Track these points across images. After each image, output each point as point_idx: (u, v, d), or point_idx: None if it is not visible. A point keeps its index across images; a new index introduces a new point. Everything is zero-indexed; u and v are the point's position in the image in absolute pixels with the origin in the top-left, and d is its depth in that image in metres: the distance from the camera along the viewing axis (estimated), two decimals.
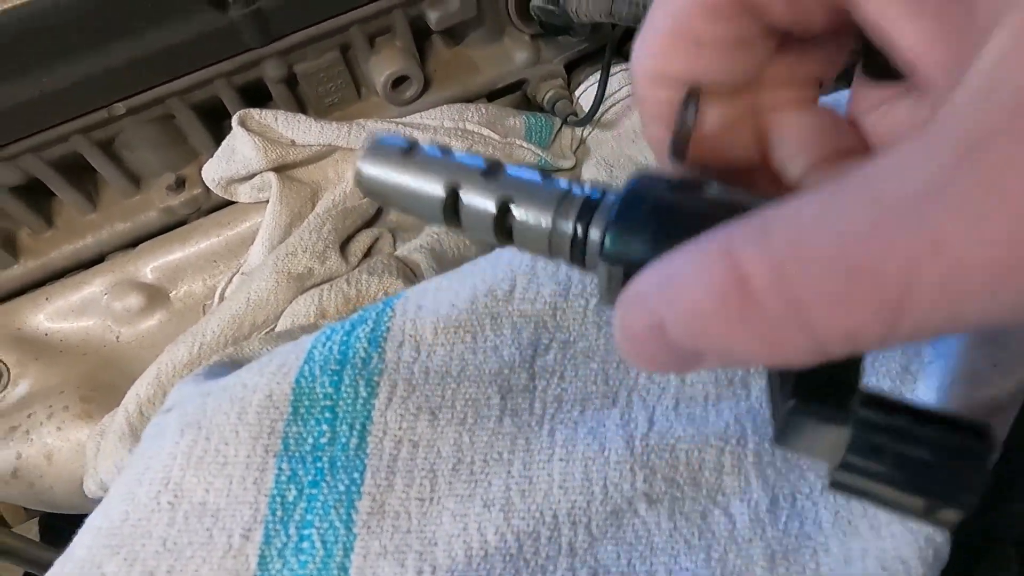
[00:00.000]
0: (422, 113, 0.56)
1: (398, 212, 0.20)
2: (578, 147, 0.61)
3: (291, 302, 0.49)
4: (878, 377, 0.28)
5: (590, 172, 0.59)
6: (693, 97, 0.19)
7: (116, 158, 0.54)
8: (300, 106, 0.57)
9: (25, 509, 0.62)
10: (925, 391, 0.26)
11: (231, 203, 0.56)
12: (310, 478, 0.28)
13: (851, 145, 0.20)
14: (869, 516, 0.24)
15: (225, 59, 0.50)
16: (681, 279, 0.15)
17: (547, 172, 0.21)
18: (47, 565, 0.57)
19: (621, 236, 0.18)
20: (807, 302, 0.13)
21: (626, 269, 0.18)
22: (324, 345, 0.30)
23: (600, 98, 0.57)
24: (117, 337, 0.55)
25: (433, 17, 0.54)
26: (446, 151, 0.20)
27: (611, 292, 0.18)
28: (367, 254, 0.53)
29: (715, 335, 0.14)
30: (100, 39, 0.47)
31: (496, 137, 0.56)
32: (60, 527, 0.66)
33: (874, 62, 0.20)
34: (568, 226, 0.19)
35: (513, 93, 0.62)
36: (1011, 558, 0.26)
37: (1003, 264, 0.12)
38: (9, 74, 0.46)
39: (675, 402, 0.28)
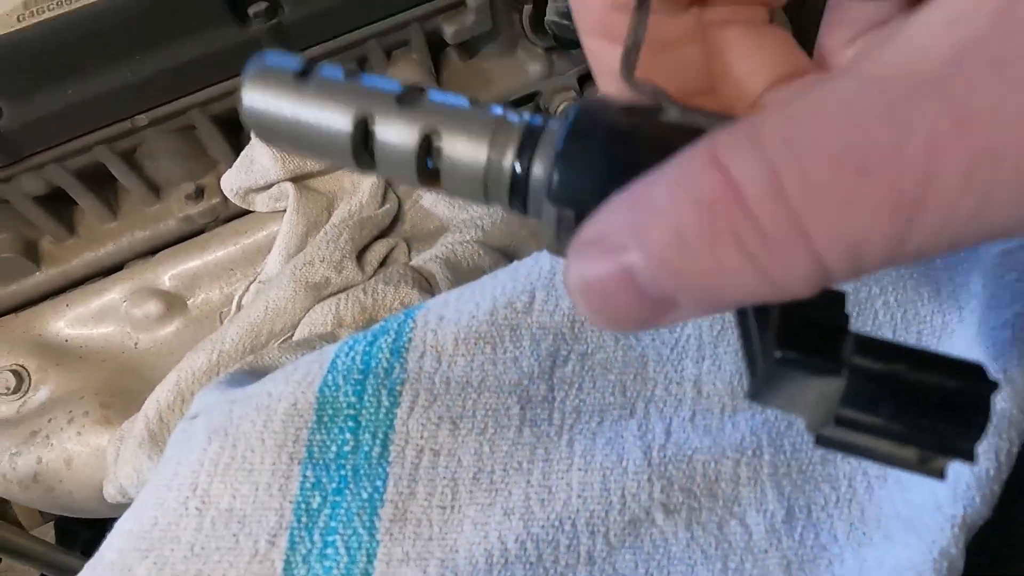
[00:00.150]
0: None
1: (294, 152, 0.18)
2: None
3: (308, 311, 0.49)
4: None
5: None
6: (644, 2, 0.17)
7: (137, 168, 0.55)
8: None
9: (41, 513, 0.62)
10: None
11: (248, 212, 0.57)
12: (334, 485, 0.29)
13: (805, 66, 0.19)
14: (883, 527, 0.25)
15: None
16: (654, 205, 0.12)
17: (476, 98, 0.17)
18: (63, 568, 0.57)
19: (572, 170, 0.15)
20: (808, 210, 0.11)
21: (578, 210, 0.15)
22: (347, 355, 0.31)
23: None
24: (136, 344, 0.56)
25: (449, 31, 0.55)
26: (351, 72, 0.17)
27: (561, 238, 0.15)
28: (382, 264, 0.54)
29: (699, 268, 0.12)
30: (125, 53, 0.48)
31: None
32: (76, 531, 0.67)
33: None
34: (507, 160, 0.16)
35: (525, 105, 0.63)
36: None
37: None
38: (36, 87, 0.47)
39: (691, 414, 0.29)
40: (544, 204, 0.15)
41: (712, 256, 0.12)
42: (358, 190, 0.55)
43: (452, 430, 0.29)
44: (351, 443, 0.29)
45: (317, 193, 0.55)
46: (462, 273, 0.52)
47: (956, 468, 0.23)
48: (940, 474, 0.14)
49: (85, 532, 0.68)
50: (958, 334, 0.27)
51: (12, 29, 0.45)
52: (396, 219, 0.57)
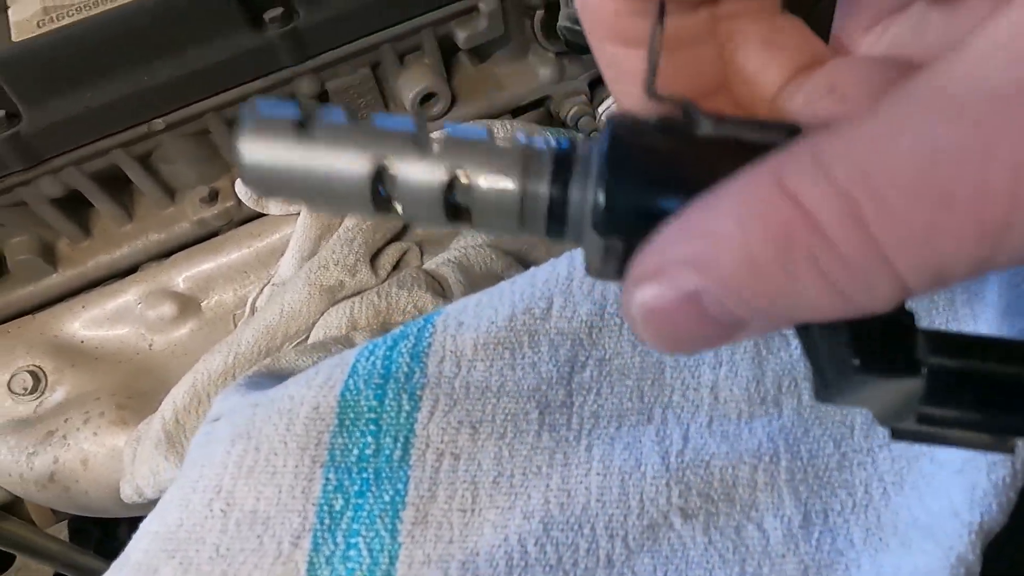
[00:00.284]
0: None
1: (304, 205, 0.17)
2: None
3: (323, 314, 0.50)
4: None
5: None
6: (659, 13, 0.16)
7: (153, 171, 0.55)
8: None
9: (54, 512, 0.63)
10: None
11: (262, 215, 0.58)
12: (356, 488, 0.29)
13: (823, 53, 0.18)
14: (900, 533, 0.25)
15: (261, 77, 0.52)
16: (719, 233, 0.12)
17: (492, 128, 0.17)
18: (77, 567, 0.58)
19: (617, 199, 0.14)
20: (890, 238, 0.11)
21: (627, 238, 0.14)
22: (368, 360, 0.31)
23: None
24: (150, 345, 0.56)
25: (462, 36, 0.55)
26: (353, 115, 0.16)
27: (608, 265, 0.15)
28: (395, 267, 0.55)
29: (773, 292, 0.12)
30: (142, 58, 0.48)
31: None
32: (89, 530, 0.68)
33: None
34: (542, 190, 0.15)
35: (536, 109, 0.64)
36: None
37: None
38: (55, 92, 0.48)
39: (709, 419, 0.29)
40: (587, 230, 0.15)
41: (787, 281, 0.12)
42: None
43: (472, 434, 0.30)
44: (372, 446, 0.30)
45: None
46: (475, 277, 0.52)
47: (973, 475, 0.24)
48: (1011, 450, 0.15)
49: (97, 531, 0.68)
50: None
51: (32, 35, 0.46)
52: (409, 223, 0.57)
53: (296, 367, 0.44)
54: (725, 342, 0.14)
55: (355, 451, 0.30)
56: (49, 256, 0.55)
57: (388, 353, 0.31)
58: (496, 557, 0.27)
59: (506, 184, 0.15)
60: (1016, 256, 0.11)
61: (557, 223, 0.15)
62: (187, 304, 0.56)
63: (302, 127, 0.15)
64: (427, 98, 0.57)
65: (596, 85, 0.64)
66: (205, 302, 0.57)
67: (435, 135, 0.16)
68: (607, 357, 0.31)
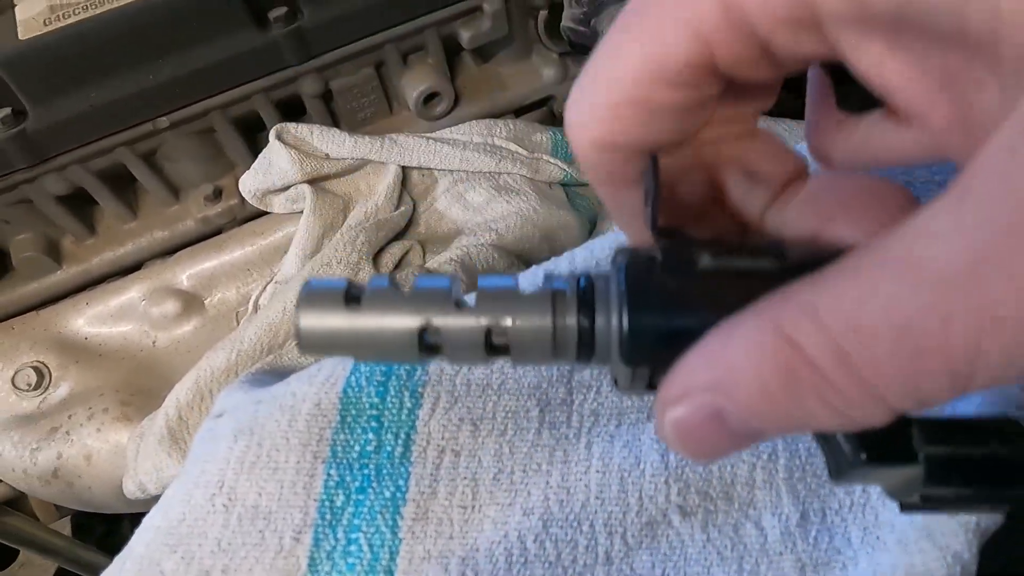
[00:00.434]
0: (451, 128, 0.58)
1: (355, 359, 0.20)
2: None
3: None
4: None
5: None
6: (655, 164, 0.18)
7: (157, 169, 0.55)
8: (334, 120, 0.58)
9: (57, 507, 0.63)
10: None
11: (265, 213, 0.58)
12: (357, 484, 0.29)
13: (799, 167, 0.20)
14: (897, 532, 0.25)
15: (265, 76, 0.52)
16: (735, 365, 0.15)
17: (516, 277, 0.19)
18: (81, 562, 0.58)
19: (640, 338, 0.17)
20: (879, 379, 0.14)
21: (652, 366, 0.18)
22: None
23: None
24: (154, 342, 0.56)
25: (465, 36, 0.56)
26: (393, 281, 0.19)
27: (636, 386, 0.18)
28: (397, 266, 0.55)
29: (785, 413, 0.15)
30: (147, 56, 0.49)
31: (523, 152, 0.58)
32: (91, 525, 0.68)
33: (850, 98, 0.20)
34: (571, 326, 0.18)
35: (539, 109, 0.64)
36: None
37: None
38: (61, 90, 0.48)
39: None
40: (614, 358, 0.18)
41: (796, 405, 0.15)
42: (374, 192, 0.56)
43: (472, 431, 0.30)
44: (374, 443, 0.30)
45: (333, 195, 0.56)
46: (476, 276, 0.52)
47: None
48: (1005, 512, 0.18)
49: (100, 526, 0.69)
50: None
51: (38, 33, 0.46)
52: (411, 221, 0.57)
53: (299, 364, 0.45)
54: (746, 447, 0.17)
55: (356, 447, 0.30)
56: (54, 253, 0.56)
57: None
58: (496, 553, 0.28)
59: (539, 324, 0.18)
60: (989, 384, 0.14)
61: (586, 351, 0.18)
62: (191, 301, 0.57)
63: (352, 298, 0.18)
64: (430, 97, 0.57)
65: None
66: (208, 300, 0.57)
67: (469, 297, 0.18)
68: None
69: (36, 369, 0.54)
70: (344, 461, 0.30)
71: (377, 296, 0.18)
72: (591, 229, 0.59)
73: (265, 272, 0.57)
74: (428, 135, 0.57)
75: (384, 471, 0.29)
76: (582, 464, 0.29)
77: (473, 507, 0.29)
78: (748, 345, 0.15)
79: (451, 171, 0.57)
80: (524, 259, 0.54)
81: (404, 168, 0.56)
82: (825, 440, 0.18)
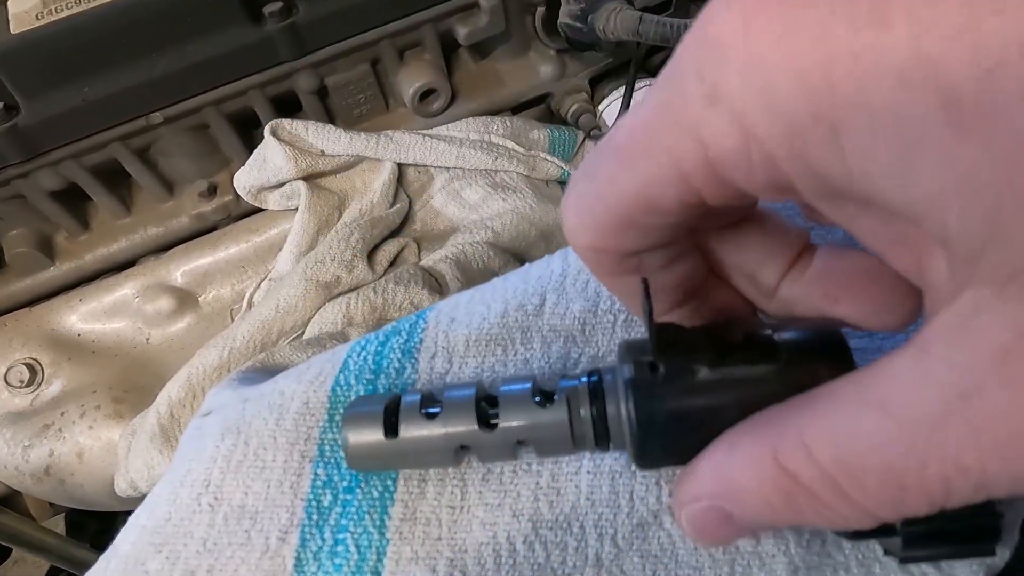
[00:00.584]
0: (448, 125, 0.58)
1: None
2: None
3: (319, 309, 0.50)
4: None
5: None
6: (647, 288, 0.20)
7: (151, 165, 0.55)
8: (329, 117, 0.58)
9: (51, 504, 0.63)
10: None
11: (260, 210, 0.58)
12: (345, 484, 0.29)
13: (802, 240, 0.22)
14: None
15: (260, 71, 0.52)
16: (742, 485, 0.18)
17: (535, 378, 0.24)
18: (74, 560, 0.58)
19: (649, 449, 0.21)
20: (869, 503, 0.16)
21: (660, 467, 0.22)
22: (359, 355, 0.31)
23: (624, 113, 0.58)
24: (147, 339, 0.56)
25: (462, 32, 0.55)
26: (427, 397, 0.23)
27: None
28: (392, 263, 0.54)
29: (789, 520, 0.18)
30: (141, 51, 0.48)
31: (520, 150, 0.57)
32: (85, 523, 0.68)
33: None
34: (587, 422, 0.22)
35: (537, 106, 0.63)
36: None
37: (1017, 472, 0.15)
38: (54, 84, 0.48)
39: None
40: (628, 444, 0.21)
41: (797, 516, 0.18)
42: (369, 189, 0.56)
43: None
44: None
45: (329, 192, 0.56)
46: (472, 274, 0.52)
47: None
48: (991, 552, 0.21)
49: (94, 524, 0.68)
50: None
51: (30, 27, 0.46)
52: (406, 219, 0.57)
53: (291, 362, 0.44)
54: (754, 535, 0.21)
55: None
56: (47, 249, 0.56)
57: (380, 349, 0.31)
58: (484, 555, 0.27)
59: (560, 429, 0.22)
60: (968, 501, 0.16)
61: (603, 439, 0.22)
62: (185, 299, 0.56)
63: (390, 427, 0.23)
64: (427, 94, 0.57)
65: (597, 82, 0.63)
66: (203, 297, 0.57)
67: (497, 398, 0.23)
68: (600, 354, 0.30)
69: (29, 366, 0.53)
70: (332, 460, 0.29)
71: (412, 422, 0.23)
72: None
73: (260, 269, 0.57)
74: (424, 132, 0.56)
75: None
76: (572, 465, 0.28)
77: (462, 508, 0.28)
78: (751, 469, 0.18)
79: (447, 168, 0.57)
80: (520, 257, 0.54)
81: (400, 165, 0.56)
82: None
